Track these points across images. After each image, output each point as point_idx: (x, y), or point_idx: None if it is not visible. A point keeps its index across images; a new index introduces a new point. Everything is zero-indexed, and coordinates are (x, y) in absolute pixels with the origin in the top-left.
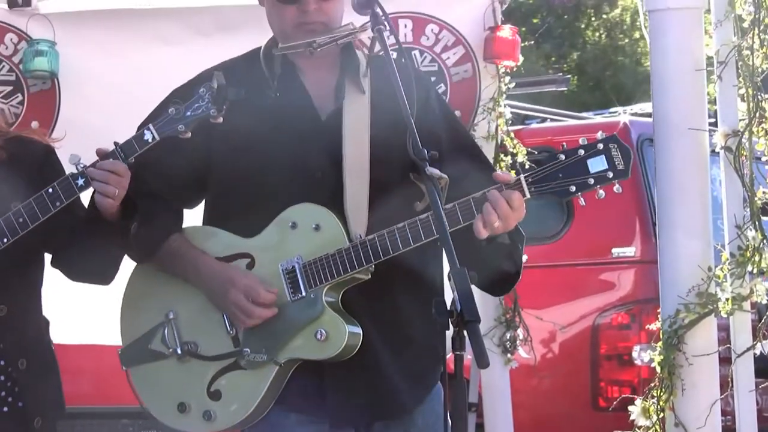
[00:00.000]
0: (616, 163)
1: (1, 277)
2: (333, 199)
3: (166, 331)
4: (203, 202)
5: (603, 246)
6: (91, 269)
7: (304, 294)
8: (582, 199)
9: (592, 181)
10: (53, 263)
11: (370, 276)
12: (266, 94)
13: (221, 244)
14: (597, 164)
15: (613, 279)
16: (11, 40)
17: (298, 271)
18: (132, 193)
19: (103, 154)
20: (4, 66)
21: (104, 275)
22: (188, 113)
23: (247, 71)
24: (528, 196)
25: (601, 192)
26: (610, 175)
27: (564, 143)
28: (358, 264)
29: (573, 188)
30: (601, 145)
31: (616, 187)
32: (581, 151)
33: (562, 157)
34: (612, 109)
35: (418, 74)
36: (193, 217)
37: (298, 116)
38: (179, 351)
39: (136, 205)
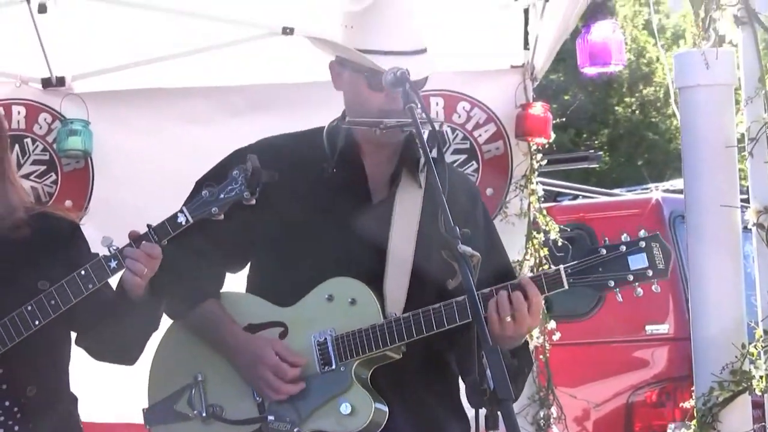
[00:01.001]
0: (657, 262)
1: (30, 358)
2: (374, 279)
3: (192, 393)
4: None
5: (636, 323)
6: (116, 350)
7: (333, 367)
8: (619, 295)
9: (631, 277)
10: (78, 342)
11: (401, 355)
12: (323, 167)
13: (257, 311)
14: (637, 261)
15: (646, 356)
16: (45, 119)
17: (329, 343)
18: (174, 248)
19: (135, 237)
20: (38, 145)
21: (128, 357)
22: (222, 195)
23: (308, 145)
24: (566, 287)
25: (639, 290)
26: (650, 273)
27: (606, 238)
28: (391, 341)
29: (611, 283)
30: (642, 243)
31: (655, 287)
32: (623, 247)
33: (603, 251)
34: (644, 186)
35: (468, 184)
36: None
37: (350, 195)
38: (204, 414)
39: (164, 284)
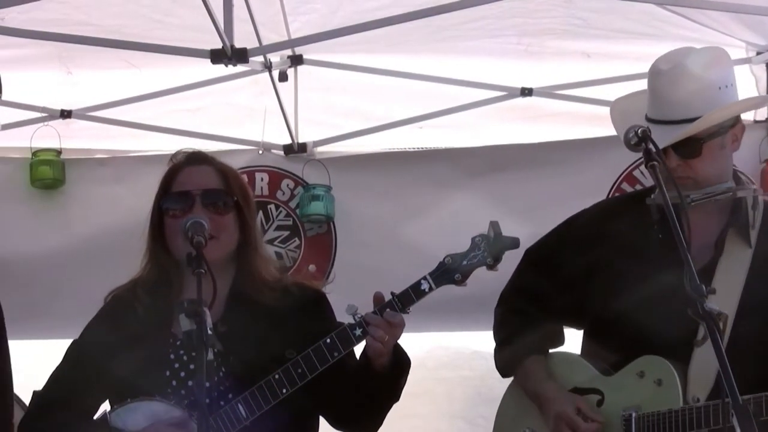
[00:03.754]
0: None
1: (276, 427)
2: (685, 351)
3: None
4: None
5: None
6: (355, 419)
7: None
8: None
9: None
10: (318, 408)
11: None
12: (650, 233)
13: (584, 376)
14: None
15: None
16: (288, 185)
17: (633, 420)
18: (510, 305)
19: (380, 303)
20: (281, 211)
21: (368, 426)
22: (464, 262)
23: (634, 208)
24: None
25: None
26: None
27: None
28: (683, 429)
29: None
30: None
31: None
32: None
33: None
34: None
35: None
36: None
37: (671, 263)
38: None
39: (406, 359)
